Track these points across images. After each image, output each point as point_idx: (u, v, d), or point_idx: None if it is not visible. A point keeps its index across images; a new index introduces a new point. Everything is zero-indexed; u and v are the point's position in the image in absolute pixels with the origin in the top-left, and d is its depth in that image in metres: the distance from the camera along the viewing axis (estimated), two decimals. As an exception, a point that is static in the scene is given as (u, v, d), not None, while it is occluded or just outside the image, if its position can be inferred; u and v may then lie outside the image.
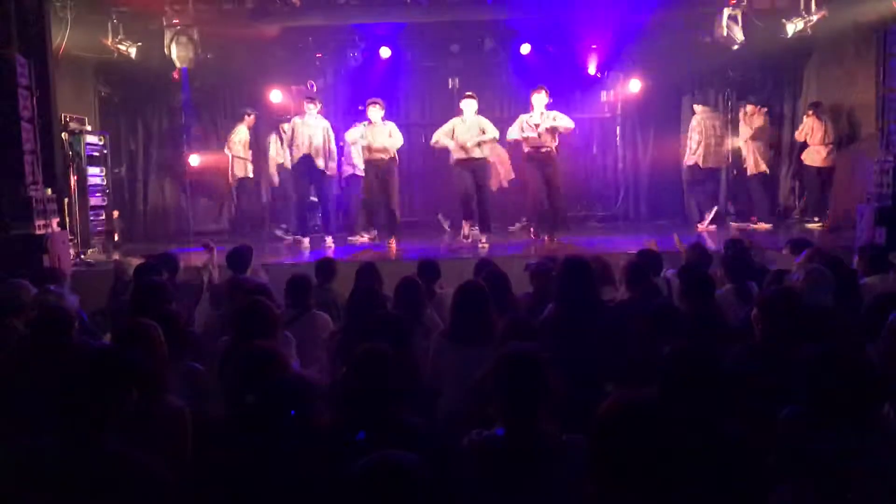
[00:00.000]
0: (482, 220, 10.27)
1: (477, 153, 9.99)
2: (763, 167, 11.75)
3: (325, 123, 10.67)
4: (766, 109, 12.06)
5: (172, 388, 3.63)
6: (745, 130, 11.86)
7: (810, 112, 11.43)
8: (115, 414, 2.71)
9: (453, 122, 10.10)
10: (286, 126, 10.97)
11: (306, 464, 2.93)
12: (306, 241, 10.73)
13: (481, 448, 2.87)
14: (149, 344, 3.60)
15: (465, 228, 10.55)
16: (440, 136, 10.10)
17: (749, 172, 11.85)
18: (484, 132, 9.98)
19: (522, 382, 2.87)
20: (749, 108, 11.94)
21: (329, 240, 10.78)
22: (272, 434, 2.98)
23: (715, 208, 11.96)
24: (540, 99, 9.81)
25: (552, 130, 9.76)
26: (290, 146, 10.64)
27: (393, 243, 10.07)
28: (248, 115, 12.26)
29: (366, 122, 10.24)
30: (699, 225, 11.61)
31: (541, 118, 9.76)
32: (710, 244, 8.86)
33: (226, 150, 12.16)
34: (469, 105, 10.04)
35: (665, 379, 2.98)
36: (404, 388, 3.27)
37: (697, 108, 12.16)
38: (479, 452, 2.87)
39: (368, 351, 3.26)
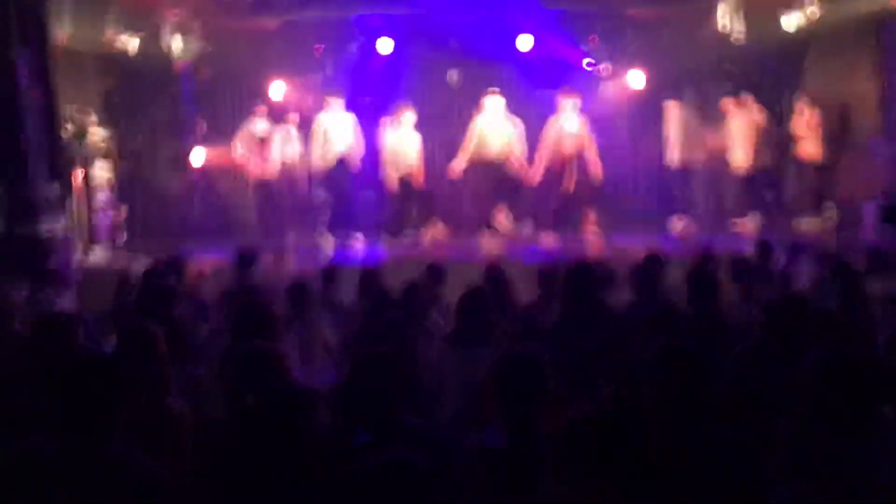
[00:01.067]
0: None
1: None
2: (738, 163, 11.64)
3: (353, 117, 10.74)
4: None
5: (174, 391, 3.65)
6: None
7: (805, 103, 11.34)
8: (120, 420, 2.71)
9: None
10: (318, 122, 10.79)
11: (307, 465, 2.94)
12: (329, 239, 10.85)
13: (482, 450, 2.89)
14: (151, 348, 3.61)
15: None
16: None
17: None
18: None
19: (523, 385, 2.88)
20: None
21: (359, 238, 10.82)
22: (272, 436, 2.99)
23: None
24: (573, 104, 10.23)
25: None
26: (314, 144, 10.62)
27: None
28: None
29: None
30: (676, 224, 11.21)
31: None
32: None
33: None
34: (496, 102, 10.18)
35: (651, 378, 2.96)
36: (406, 390, 3.28)
37: (669, 103, 11.85)
38: (480, 455, 2.89)
39: (370, 354, 3.27)
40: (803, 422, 3.00)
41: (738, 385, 3.66)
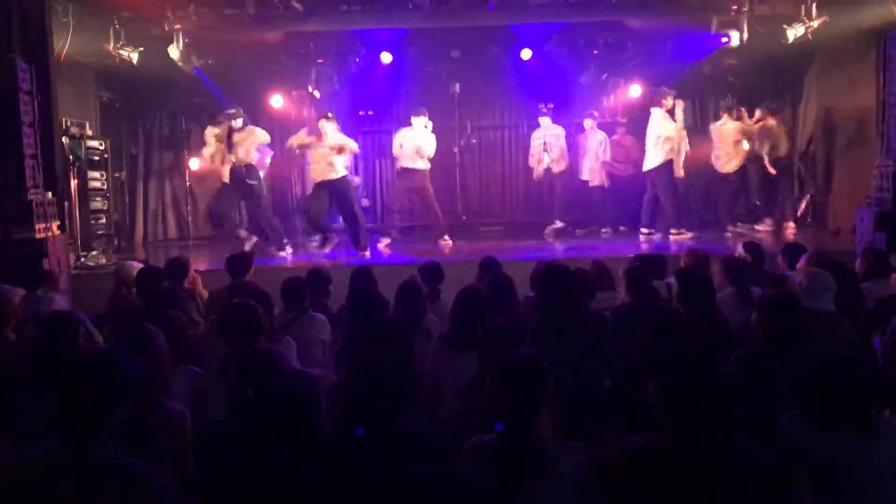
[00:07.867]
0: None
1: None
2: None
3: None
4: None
5: (174, 392, 3.64)
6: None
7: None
8: (111, 418, 2.69)
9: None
10: None
11: (307, 466, 2.91)
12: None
13: (480, 453, 2.87)
14: (150, 348, 3.60)
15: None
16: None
17: None
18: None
19: (520, 388, 2.86)
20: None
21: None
22: (273, 436, 2.97)
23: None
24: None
25: None
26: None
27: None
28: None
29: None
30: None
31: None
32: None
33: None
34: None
35: (660, 389, 2.90)
36: (403, 392, 3.25)
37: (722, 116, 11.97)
38: (477, 457, 2.86)
39: (367, 355, 3.24)
40: (801, 422, 2.98)
41: (735, 386, 3.61)
